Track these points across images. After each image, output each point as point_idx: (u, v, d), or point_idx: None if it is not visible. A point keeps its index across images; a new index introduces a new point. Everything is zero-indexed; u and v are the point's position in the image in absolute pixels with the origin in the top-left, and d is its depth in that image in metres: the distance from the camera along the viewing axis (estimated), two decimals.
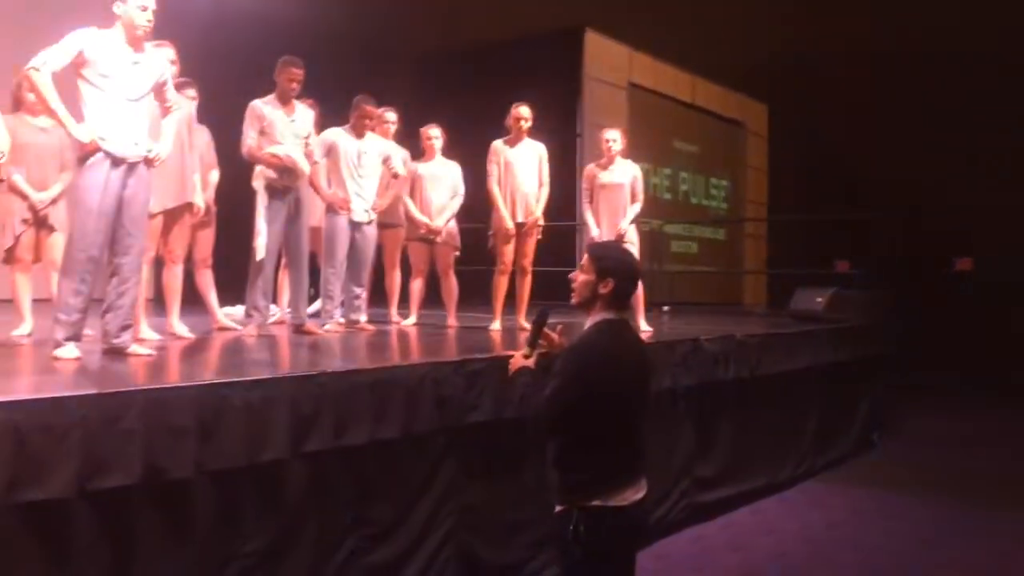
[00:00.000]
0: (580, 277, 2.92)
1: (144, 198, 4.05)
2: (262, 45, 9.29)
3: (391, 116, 6.92)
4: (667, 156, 13.75)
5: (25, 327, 5.10)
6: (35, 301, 5.22)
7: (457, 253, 6.89)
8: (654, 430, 5.43)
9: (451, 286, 6.81)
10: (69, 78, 3.91)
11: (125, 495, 2.80)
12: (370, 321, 6.91)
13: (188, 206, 5.09)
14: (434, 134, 6.74)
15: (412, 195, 6.70)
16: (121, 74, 3.93)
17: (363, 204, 6.00)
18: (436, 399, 3.90)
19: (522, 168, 6.29)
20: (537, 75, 11.14)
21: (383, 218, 6.77)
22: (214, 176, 5.80)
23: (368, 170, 6.03)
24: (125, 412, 2.73)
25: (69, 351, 3.78)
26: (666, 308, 10.43)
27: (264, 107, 5.43)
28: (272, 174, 5.39)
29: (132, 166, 3.97)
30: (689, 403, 5.88)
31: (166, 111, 4.31)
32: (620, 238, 6.32)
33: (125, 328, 4.03)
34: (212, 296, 5.87)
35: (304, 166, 5.45)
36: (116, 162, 3.91)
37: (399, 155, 6.83)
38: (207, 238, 5.75)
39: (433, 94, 11.24)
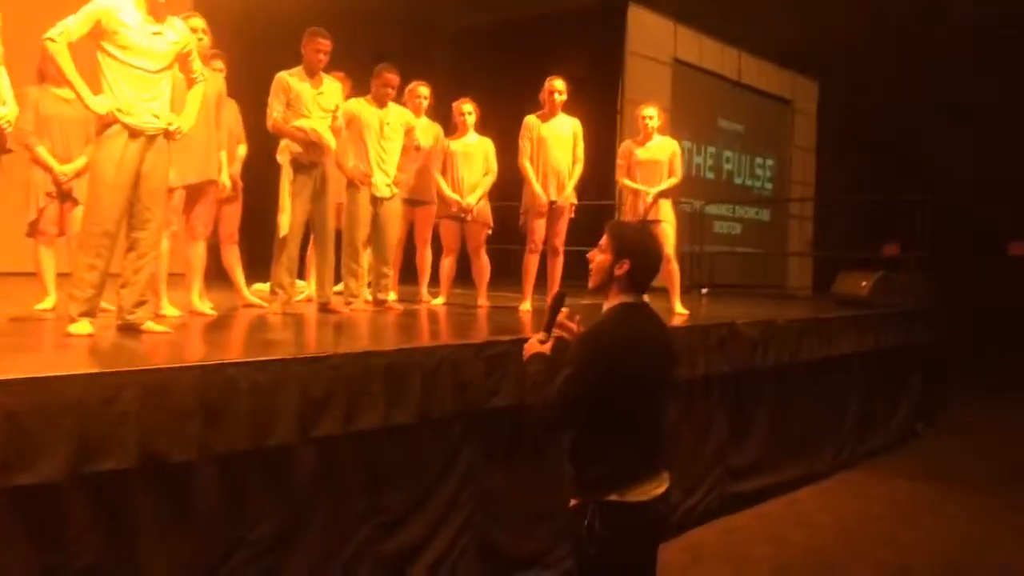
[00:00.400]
0: (597, 257, 2.76)
1: (163, 172, 3.96)
2: (297, 18, 9.26)
3: (423, 90, 6.75)
4: (711, 135, 13.41)
5: (48, 301, 5.07)
6: (59, 275, 5.18)
7: (489, 231, 6.74)
8: (686, 418, 5.32)
9: (482, 265, 6.66)
10: (90, 49, 3.83)
11: (124, 478, 2.71)
12: (400, 300, 6.82)
13: (212, 182, 4.99)
14: (467, 109, 6.57)
15: (444, 172, 6.55)
16: (140, 45, 3.83)
17: (385, 179, 5.86)
18: (455, 383, 3.76)
19: (556, 144, 6.12)
20: (578, 50, 10.87)
21: (415, 195, 6.65)
22: (241, 151, 5.72)
23: (391, 142, 5.88)
24: (121, 393, 2.64)
25: (82, 327, 3.71)
26: (705, 290, 10.20)
27: (290, 79, 5.30)
28: (297, 148, 5.27)
29: (151, 139, 3.88)
30: (724, 390, 5.69)
31: (191, 83, 4.21)
32: (648, 211, 6.15)
33: (140, 304, 3.95)
34: (238, 272, 5.80)
35: (330, 140, 5.32)
36: (134, 134, 3.82)
37: (432, 132, 6.69)
38: (233, 213, 5.67)
39: (472, 70, 11.05)
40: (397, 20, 10.72)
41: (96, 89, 3.82)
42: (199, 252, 5.05)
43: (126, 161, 3.79)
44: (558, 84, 6.14)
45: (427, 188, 6.61)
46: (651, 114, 6.38)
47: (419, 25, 11.22)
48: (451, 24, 11.82)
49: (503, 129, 6.77)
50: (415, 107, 6.69)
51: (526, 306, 6.21)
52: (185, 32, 4.06)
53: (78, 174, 5.06)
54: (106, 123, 3.79)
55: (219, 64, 5.50)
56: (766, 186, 14.95)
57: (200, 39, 4.80)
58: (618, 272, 2.71)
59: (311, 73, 5.35)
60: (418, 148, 6.13)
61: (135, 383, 2.72)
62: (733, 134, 13.94)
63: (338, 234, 5.94)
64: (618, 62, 11.16)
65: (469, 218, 6.54)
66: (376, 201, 5.85)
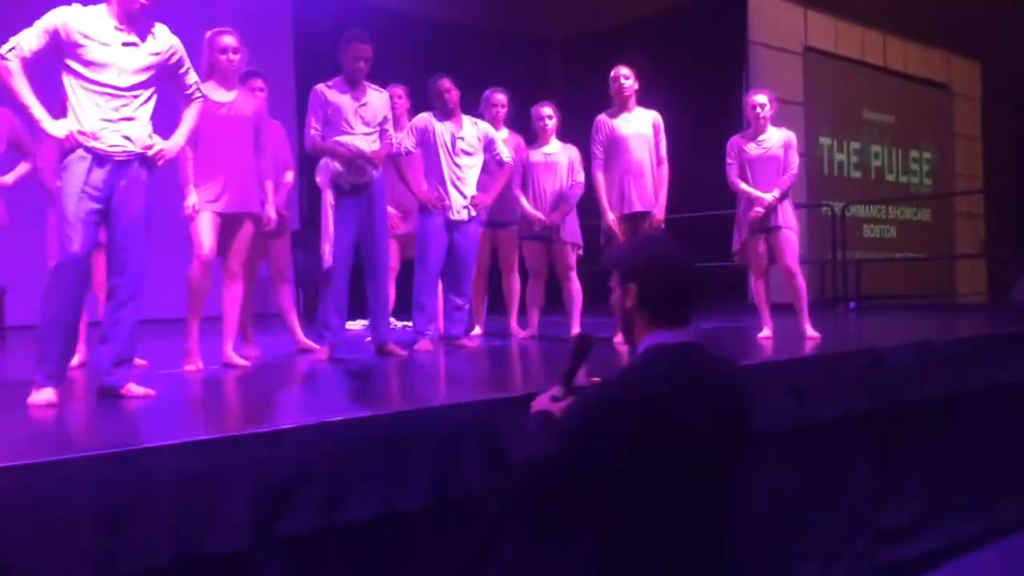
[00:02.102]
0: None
1: (140, 204, 3.31)
2: (381, 36, 8.78)
3: (499, 98, 6.00)
4: (855, 128, 11.99)
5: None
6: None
7: (580, 252, 5.87)
8: (814, 472, 4.25)
9: (573, 290, 5.79)
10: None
11: None
12: (490, 333, 6.07)
13: (251, 215, 4.36)
14: (546, 113, 5.75)
15: (524, 187, 5.74)
16: (109, 59, 3.21)
17: (462, 200, 5.10)
18: (487, 450, 2.92)
19: (632, 143, 5.20)
20: (694, 48, 9.91)
21: (496, 216, 5.89)
22: (288, 178, 5.11)
23: (467, 158, 5.13)
24: None
25: (44, 395, 3.11)
26: (852, 305, 8.90)
27: (327, 92, 4.65)
28: (337, 167, 4.59)
29: (122, 165, 3.25)
30: (867, 433, 4.57)
31: (187, 101, 3.58)
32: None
33: (121, 363, 3.32)
34: (292, 313, 5.19)
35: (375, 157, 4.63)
36: (100, 161, 3.20)
37: (513, 142, 5.92)
38: (282, 248, 5.07)
39: (583, 77, 10.24)
40: (499, 35, 10.08)
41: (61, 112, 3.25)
42: (233, 294, 4.41)
43: (91, 192, 3.18)
44: (623, 71, 5.25)
45: (509, 207, 5.83)
46: (762, 102, 5.38)
47: (524, 38, 10.52)
48: (558, 33, 11.05)
49: None
50: (492, 117, 5.96)
51: (620, 337, 5.29)
52: (171, 41, 3.42)
53: None
54: (68, 150, 3.20)
55: (258, 84, 4.94)
56: (924, 182, 13.32)
57: (230, 58, 4.22)
58: (629, 304, 1.90)
59: (351, 83, 4.67)
60: (501, 164, 5.34)
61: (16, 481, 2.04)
62: (881, 126, 12.46)
63: (408, 264, 5.27)
64: (740, 54, 10.05)
65: (556, 237, 5.70)
66: (452, 225, 5.11)
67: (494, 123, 5.98)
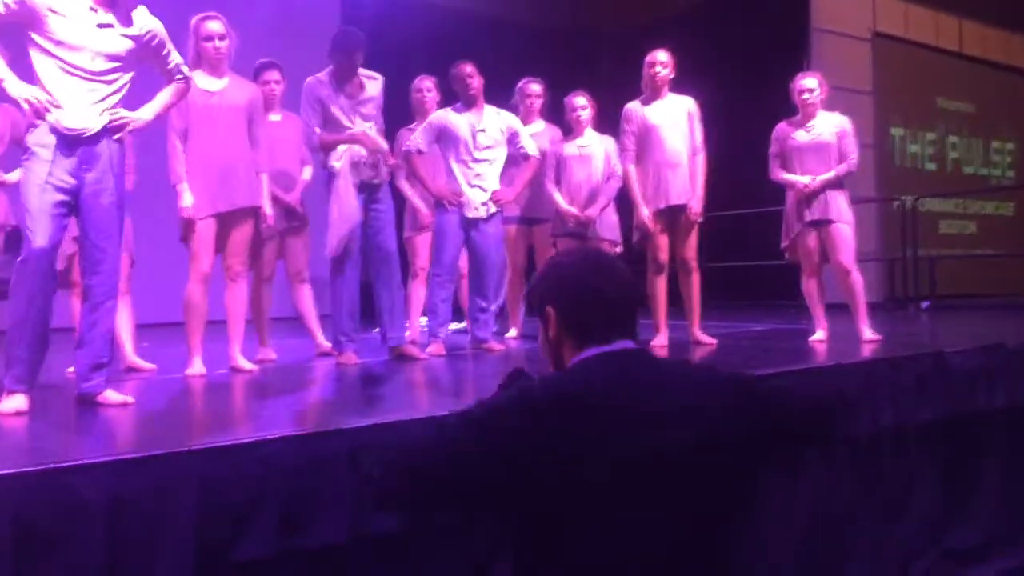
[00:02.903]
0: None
1: (112, 199, 3.10)
2: (424, 29, 8.57)
3: (534, 88, 5.71)
4: (929, 118, 11.32)
5: None
6: None
7: (618, 249, 5.53)
8: (870, 488, 3.84)
9: None
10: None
11: None
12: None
13: (249, 210, 4.15)
14: (580, 103, 5.40)
15: (558, 181, 5.43)
16: (79, 38, 3.00)
17: (482, 196, 4.82)
18: None
19: (667, 132, 4.85)
20: (753, 36, 9.45)
21: (531, 212, 5.62)
22: (306, 173, 4.90)
23: (488, 152, 4.85)
24: None
25: (13, 402, 2.93)
26: (925, 305, 8.34)
27: (320, 88, 4.40)
28: (362, 153, 4.34)
29: (90, 152, 3.03)
30: (928, 445, 4.13)
31: (171, 81, 3.36)
32: (690, 218, 4.86)
33: (97, 367, 3.13)
34: (311, 315, 4.98)
35: (383, 144, 4.39)
36: (67, 145, 2.99)
37: (549, 135, 5.62)
38: (300, 247, 4.86)
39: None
40: (545, 25, 9.79)
41: None
42: (237, 296, 4.21)
43: (59, 180, 2.97)
44: (661, 56, 4.90)
45: (544, 203, 5.53)
46: (811, 86, 4.97)
47: (579, 33, 10.20)
48: (611, 22, 10.68)
49: None
50: (527, 108, 5.68)
51: (660, 340, 4.94)
52: (149, 24, 3.20)
53: None
54: (30, 124, 3.01)
55: (274, 76, 4.75)
56: (1007, 174, 12.54)
57: (216, 46, 4.02)
58: (552, 333, 1.63)
59: (342, 79, 4.43)
60: (526, 157, 5.04)
61: None
62: (959, 115, 11.76)
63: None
64: (803, 42, 9.55)
65: (591, 234, 5.37)
66: (469, 223, 4.84)
67: (528, 115, 5.70)
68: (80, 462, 2.06)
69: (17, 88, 2.95)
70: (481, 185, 4.83)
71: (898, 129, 10.67)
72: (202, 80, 4.03)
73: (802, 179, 4.88)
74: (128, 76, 3.17)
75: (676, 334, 5.08)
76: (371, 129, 4.40)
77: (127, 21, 3.13)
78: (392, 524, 2.42)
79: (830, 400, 1.78)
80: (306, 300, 4.94)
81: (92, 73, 3.04)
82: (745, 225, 8.32)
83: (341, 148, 4.39)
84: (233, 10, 7.83)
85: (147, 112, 3.26)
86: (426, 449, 1.49)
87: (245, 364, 4.19)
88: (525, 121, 5.68)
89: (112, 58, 3.09)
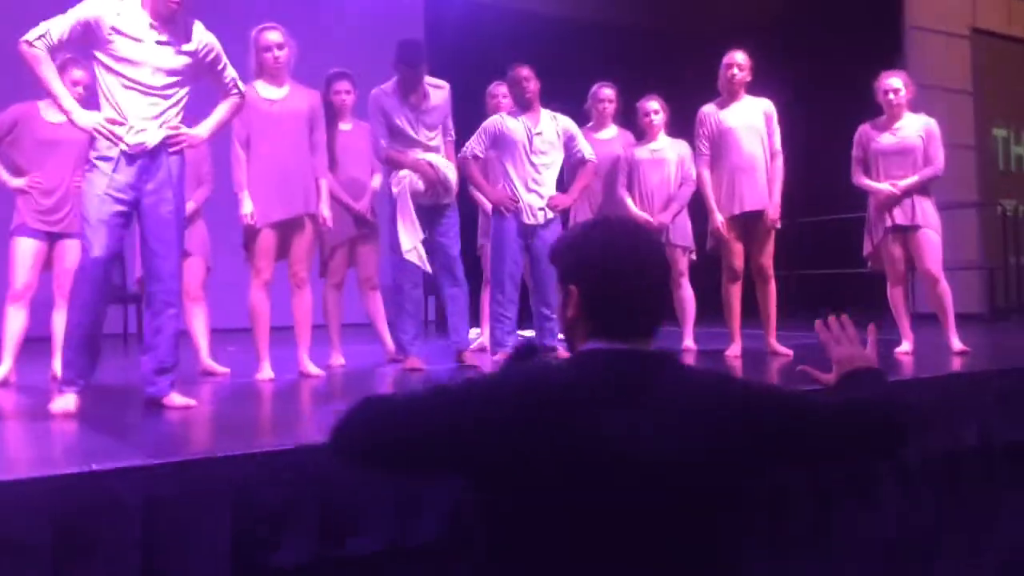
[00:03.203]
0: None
1: (170, 208, 3.19)
2: (512, 36, 8.55)
3: (607, 92, 5.62)
4: None
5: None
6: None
7: (692, 256, 5.40)
8: (949, 513, 3.61)
9: (684, 298, 5.33)
10: None
11: None
12: None
13: (307, 217, 4.21)
14: (652, 108, 5.31)
15: (630, 186, 5.34)
16: (142, 57, 3.11)
17: (539, 202, 4.77)
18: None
19: (742, 136, 4.70)
20: (844, 35, 9.11)
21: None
22: (376, 181, 4.94)
23: (544, 157, 4.79)
24: None
25: (65, 402, 3.03)
26: None
27: (385, 99, 4.44)
28: (418, 186, 4.39)
29: (150, 163, 3.13)
30: (1019, 466, 3.88)
31: (226, 95, 3.44)
32: (767, 224, 4.69)
33: (162, 371, 3.20)
34: (382, 322, 5.01)
35: (453, 176, 4.41)
36: (128, 158, 3.09)
37: (622, 140, 5.53)
38: (370, 254, 4.90)
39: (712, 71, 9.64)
40: (634, 28, 9.65)
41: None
42: (303, 303, 4.26)
43: (117, 192, 3.07)
44: (738, 57, 4.74)
45: (618, 209, 5.44)
46: (896, 86, 4.75)
47: (668, 38, 10.03)
48: (696, 26, 10.47)
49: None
50: (599, 113, 5.60)
51: (734, 350, 4.79)
52: (205, 39, 3.28)
53: (188, 219, 4.54)
54: (95, 147, 3.12)
55: (345, 86, 4.81)
56: None
57: (275, 55, 4.08)
58: (571, 313, 1.50)
59: (407, 89, 4.45)
60: (583, 162, 4.97)
61: None
62: None
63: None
64: (896, 41, 9.17)
65: (663, 240, 5.25)
66: (528, 230, 4.78)
67: (601, 119, 5.62)
68: (119, 465, 2.10)
69: (85, 118, 3.09)
70: (538, 190, 4.77)
71: (1001, 130, 10.14)
72: (263, 89, 4.11)
73: (884, 186, 4.67)
74: (185, 90, 3.26)
75: (751, 344, 4.92)
76: (436, 138, 4.42)
77: (185, 37, 3.22)
78: (431, 533, 2.39)
79: (899, 408, 1.60)
80: (376, 306, 4.98)
81: (152, 88, 3.14)
82: (826, 231, 8.05)
83: (402, 172, 4.43)
84: (318, 18, 8.06)
85: (203, 129, 3.35)
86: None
87: (313, 369, 4.25)
88: (598, 126, 5.62)
89: (171, 73, 3.17)
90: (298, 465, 2.26)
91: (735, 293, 4.80)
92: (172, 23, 3.18)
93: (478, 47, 7.97)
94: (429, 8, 9.27)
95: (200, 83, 3.37)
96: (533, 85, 4.72)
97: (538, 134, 4.73)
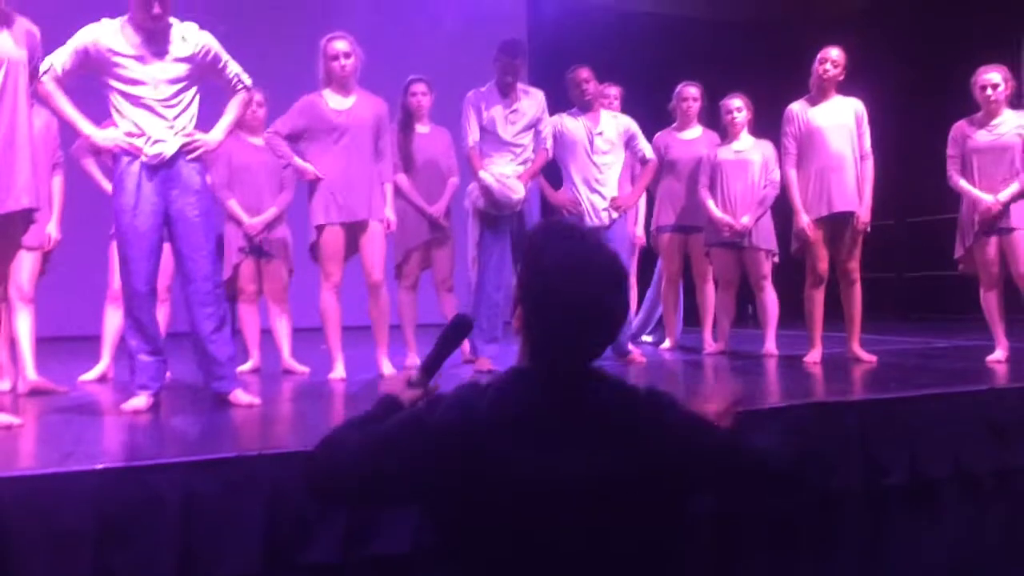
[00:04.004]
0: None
1: (197, 211, 3.31)
2: (616, 36, 8.50)
3: (691, 91, 5.55)
4: None
5: (250, 362, 4.80)
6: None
7: (775, 259, 5.26)
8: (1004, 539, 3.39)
9: (767, 302, 5.20)
10: None
11: None
12: (683, 347, 5.66)
13: (375, 220, 4.32)
14: (735, 106, 5.19)
15: (712, 187, 5.24)
16: (142, 74, 3.24)
17: (602, 203, 4.75)
18: None
19: (831, 135, 4.54)
20: (958, 27, 8.62)
21: (687, 220, 5.47)
22: (452, 183, 5.01)
23: (606, 156, 4.77)
24: None
25: (137, 401, 3.23)
26: None
27: (480, 98, 4.52)
28: (482, 201, 4.47)
29: (170, 172, 3.27)
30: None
31: (233, 92, 3.51)
32: (856, 227, 4.55)
33: (220, 367, 3.35)
34: None
35: (517, 187, 4.43)
36: (150, 171, 3.24)
37: (706, 140, 5.45)
38: (445, 257, 4.98)
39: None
40: (734, 23, 9.44)
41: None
42: (379, 305, 4.38)
43: (144, 204, 3.22)
44: (833, 53, 4.58)
45: (700, 211, 5.36)
46: (995, 81, 4.52)
47: (760, 26, 9.75)
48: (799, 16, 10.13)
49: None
50: (683, 112, 5.55)
51: (813, 356, 4.65)
52: (202, 40, 3.36)
53: (268, 227, 4.75)
54: (117, 164, 3.29)
55: (421, 88, 4.90)
56: None
57: (342, 64, 4.19)
58: (515, 323, 1.49)
59: (503, 91, 4.51)
60: (644, 162, 4.94)
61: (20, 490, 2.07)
62: None
63: None
64: (1017, 33, 8.63)
65: (747, 243, 5.14)
66: None
67: (686, 119, 5.55)
68: (158, 461, 2.24)
69: (102, 137, 3.25)
70: (600, 191, 4.76)
71: None
72: (331, 98, 4.24)
73: (985, 197, 4.44)
74: (193, 93, 3.37)
75: (833, 349, 4.77)
76: (526, 142, 4.53)
77: (180, 43, 3.30)
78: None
79: (801, 465, 1.57)
80: (452, 309, 5.06)
81: (159, 101, 3.27)
82: (915, 232, 7.67)
83: (471, 186, 4.54)
84: (420, 19, 8.22)
85: (217, 132, 3.44)
86: (361, 443, 1.48)
87: (389, 369, 4.37)
88: (682, 126, 5.56)
89: (174, 81, 3.29)
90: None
91: (818, 298, 4.66)
92: (163, 33, 3.26)
93: (581, 49, 7.91)
94: (531, 10, 9.32)
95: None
96: (592, 87, 4.74)
97: (599, 134, 4.74)
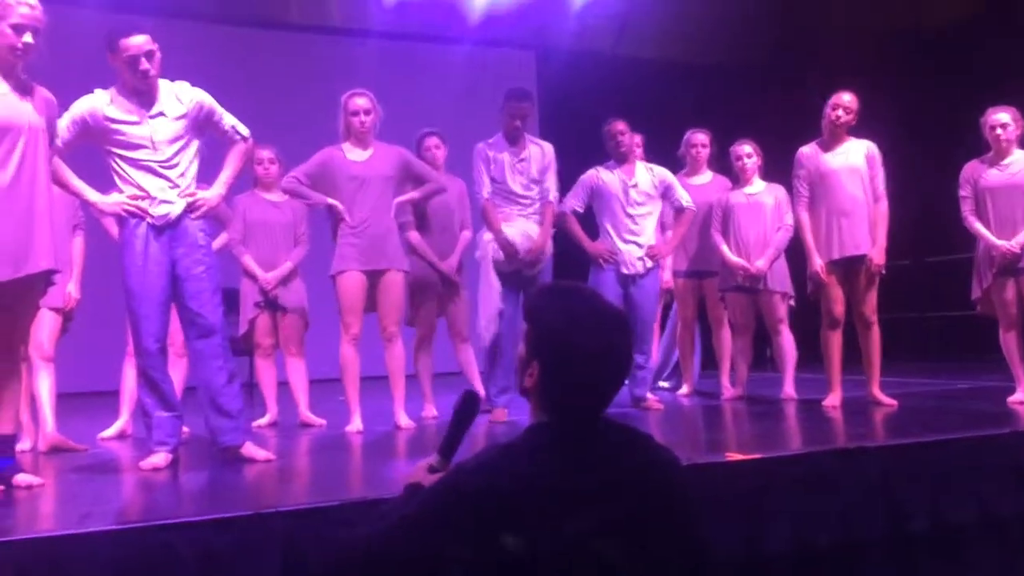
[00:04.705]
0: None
1: (203, 268, 3.35)
2: (627, 85, 8.56)
3: (700, 137, 5.62)
4: None
5: (267, 416, 4.81)
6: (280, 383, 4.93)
7: (791, 303, 5.25)
8: None
9: (784, 345, 5.18)
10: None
11: None
12: (700, 391, 5.63)
13: (396, 272, 4.36)
14: (745, 151, 5.24)
15: (725, 232, 5.26)
16: (140, 138, 3.29)
17: (637, 252, 4.79)
18: None
19: (843, 178, 4.57)
20: (987, 65, 8.60)
21: (701, 265, 5.49)
22: (465, 237, 5.05)
23: (640, 208, 4.82)
24: None
25: (156, 459, 3.24)
26: None
27: (489, 149, 4.59)
28: (499, 254, 4.51)
29: (176, 231, 3.32)
30: None
31: (231, 144, 3.54)
32: (870, 269, 4.54)
33: (230, 419, 3.35)
34: (474, 373, 5.09)
35: (535, 246, 4.52)
36: (156, 231, 3.29)
37: (717, 185, 5.49)
38: (460, 307, 5.00)
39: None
40: (747, 67, 9.48)
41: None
42: (394, 356, 4.40)
43: (151, 264, 3.27)
44: (845, 99, 4.61)
45: (714, 255, 5.38)
46: (1004, 121, 4.55)
47: (773, 71, 9.78)
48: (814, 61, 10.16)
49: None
50: (692, 158, 5.60)
51: (832, 400, 4.61)
52: (195, 97, 3.41)
53: (283, 281, 4.79)
54: (122, 225, 3.34)
55: (434, 142, 4.96)
56: None
57: (361, 119, 4.27)
58: (527, 382, 1.51)
59: (511, 140, 4.60)
60: (681, 211, 4.97)
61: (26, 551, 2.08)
62: None
63: None
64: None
65: (761, 287, 5.14)
66: (627, 279, 4.82)
67: (695, 165, 5.61)
68: (176, 520, 2.25)
69: (107, 203, 3.31)
70: (636, 241, 4.81)
71: None
72: (349, 152, 4.32)
73: (1002, 243, 4.44)
74: (194, 148, 3.42)
75: (853, 392, 4.73)
76: (534, 194, 4.59)
77: (174, 103, 3.36)
78: None
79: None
80: (468, 357, 5.07)
81: (161, 163, 3.32)
82: (932, 272, 7.63)
83: (487, 237, 4.58)
84: (430, 71, 8.33)
85: (218, 187, 3.48)
86: (382, 537, 1.48)
87: (405, 422, 4.37)
88: (692, 172, 5.61)
89: (173, 141, 3.34)
90: (345, 521, 2.33)
91: (835, 341, 4.65)
92: (156, 94, 3.32)
93: (590, 100, 7.98)
94: (540, 62, 9.42)
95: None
96: (628, 139, 4.83)
97: (633, 186, 4.80)
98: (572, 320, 1.47)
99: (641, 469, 1.46)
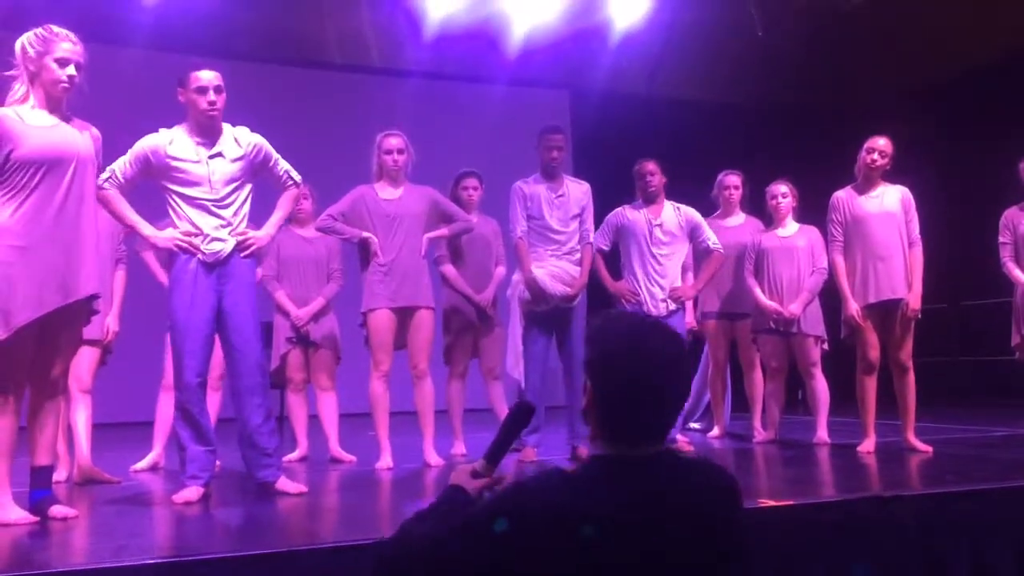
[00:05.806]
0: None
1: (249, 306, 3.43)
2: (662, 126, 8.58)
3: (732, 179, 5.62)
4: None
5: (297, 451, 4.83)
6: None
7: (824, 346, 5.20)
8: None
9: (818, 389, 5.12)
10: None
11: None
12: (732, 434, 5.59)
13: (427, 311, 4.39)
14: (780, 191, 5.23)
15: (758, 274, 5.24)
16: (198, 177, 3.40)
17: (660, 293, 4.77)
18: None
19: (877, 223, 4.53)
20: (1012, 112, 8.55)
21: (732, 307, 5.46)
22: (499, 273, 5.07)
23: (665, 248, 4.81)
24: None
25: (188, 493, 3.27)
26: None
27: (526, 186, 4.62)
28: (527, 295, 4.53)
29: (225, 268, 3.39)
30: None
31: (284, 189, 3.65)
32: (906, 315, 4.47)
33: (266, 456, 3.40)
34: (504, 411, 5.08)
35: (555, 289, 4.51)
36: (206, 267, 3.37)
37: (750, 227, 5.47)
38: (492, 345, 5.01)
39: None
40: (782, 108, 9.50)
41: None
42: (424, 394, 4.41)
43: (199, 300, 3.33)
44: (880, 143, 4.60)
45: (747, 297, 5.35)
46: None
47: (810, 110, 9.77)
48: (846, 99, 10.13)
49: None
50: (725, 200, 5.60)
51: (866, 445, 4.55)
52: (253, 140, 3.53)
53: (315, 317, 4.83)
54: (175, 259, 3.42)
55: (473, 183, 5.01)
56: None
57: (395, 159, 4.36)
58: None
59: (548, 175, 4.63)
60: (709, 251, 4.94)
61: None
62: None
63: None
64: None
65: (795, 330, 5.10)
66: None
67: (728, 207, 5.61)
68: (208, 555, 2.26)
69: (160, 237, 3.39)
70: (660, 281, 4.78)
71: None
72: (381, 191, 4.40)
73: None
74: (247, 190, 3.52)
75: (887, 437, 4.66)
76: (572, 231, 4.59)
77: (233, 145, 3.47)
78: None
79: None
80: (499, 395, 5.06)
81: (215, 202, 3.42)
82: (969, 316, 7.52)
83: (516, 277, 4.61)
84: (465, 110, 8.43)
85: (269, 228, 3.58)
86: (435, 541, 1.48)
87: (435, 459, 4.37)
88: (725, 214, 5.60)
89: (229, 181, 3.45)
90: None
91: (870, 386, 4.58)
92: (217, 136, 3.43)
93: (624, 140, 8.00)
94: (574, 103, 9.48)
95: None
96: (657, 180, 4.81)
97: (658, 225, 4.78)
98: (628, 348, 1.48)
99: (695, 504, 1.46)
